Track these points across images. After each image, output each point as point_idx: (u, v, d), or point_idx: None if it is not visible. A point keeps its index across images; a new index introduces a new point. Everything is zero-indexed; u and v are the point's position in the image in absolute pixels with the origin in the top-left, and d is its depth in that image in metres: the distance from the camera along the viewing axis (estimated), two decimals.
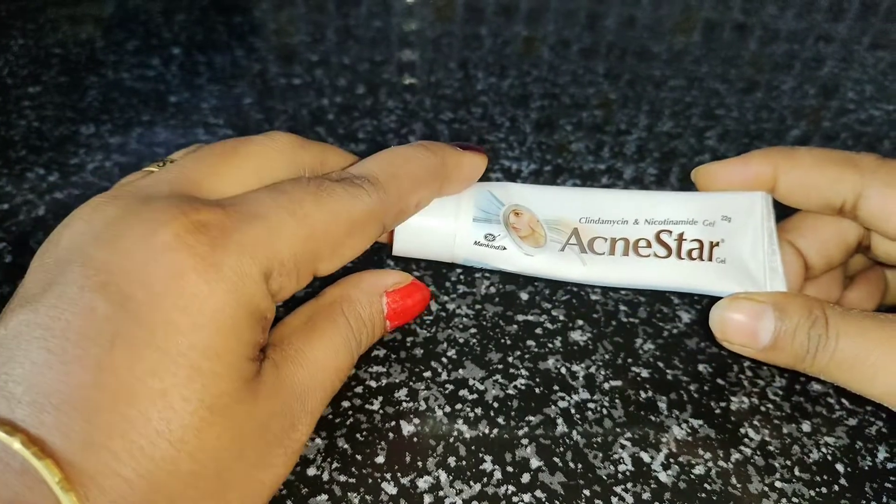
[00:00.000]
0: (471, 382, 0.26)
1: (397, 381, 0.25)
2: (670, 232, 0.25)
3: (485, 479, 0.22)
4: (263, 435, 0.18)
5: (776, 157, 0.25)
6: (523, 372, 0.26)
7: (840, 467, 0.23)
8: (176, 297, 0.17)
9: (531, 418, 0.24)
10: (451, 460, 0.22)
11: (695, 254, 0.24)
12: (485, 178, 0.39)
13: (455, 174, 0.23)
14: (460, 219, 0.24)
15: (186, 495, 0.17)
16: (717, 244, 0.25)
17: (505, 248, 0.24)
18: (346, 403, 0.24)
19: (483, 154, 0.24)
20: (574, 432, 0.24)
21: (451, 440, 0.23)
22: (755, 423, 0.25)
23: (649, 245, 0.24)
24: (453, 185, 0.24)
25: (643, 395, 0.26)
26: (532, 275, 0.25)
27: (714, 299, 0.24)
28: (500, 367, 0.26)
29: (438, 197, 0.24)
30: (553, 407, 0.25)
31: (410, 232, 0.24)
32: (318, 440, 0.23)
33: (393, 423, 0.24)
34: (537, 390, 0.25)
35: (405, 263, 0.32)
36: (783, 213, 0.26)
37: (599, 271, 0.24)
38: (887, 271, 0.28)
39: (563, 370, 0.26)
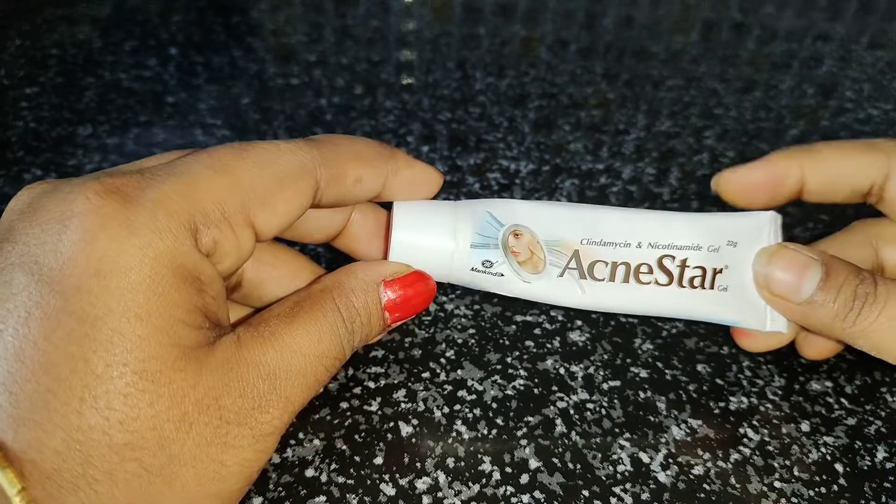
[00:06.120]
0: (469, 383, 0.26)
1: (396, 381, 0.25)
2: (673, 258, 0.24)
3: (483, 480, 0.22)
4: (216, 411, 0.17)
5: (800, 156, 0.25)
6: (522, 372, 0.26)
7: (839, 467, 0.23)
8: (86, 260, 0.16)
9: (530, 419, 0.24)
10: (450, 461, 0.22)
11: (696, 282, 0.24)
12: (483, 178, 0.39)
13: (405, 171, 0.23)
14: (457, 243, 0.23)
15: (126, 469, 0.16)
16: (721, 271, 0.24)
17: (502, 275, 0.23)
18: (344, 405, 0.24)
19: (438, 172, 0.24)
20: (573, 433, 0.24)
21: (450, 441, 0.23)
22: (754, 422, 0.25)
23: (651, 271, 0.24)
24: (402, 183, 0.23)
25: (642, 395, 0.25)
26: (530, 299, 0.24)
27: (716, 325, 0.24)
28: (499, 367, 0.26)
29: (384, 196, 0.23)
30: (552, 407, 0.25)
31: (405, 251, 0.23)
32: (316, 441, 0.23)
33: (391, 424, 0.24)
34: (536, 391, 0.25)
35: None
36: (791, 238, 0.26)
37: (598, 298, 0.24)
38: None
39: (562, 370, 0.26)
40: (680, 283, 0.24)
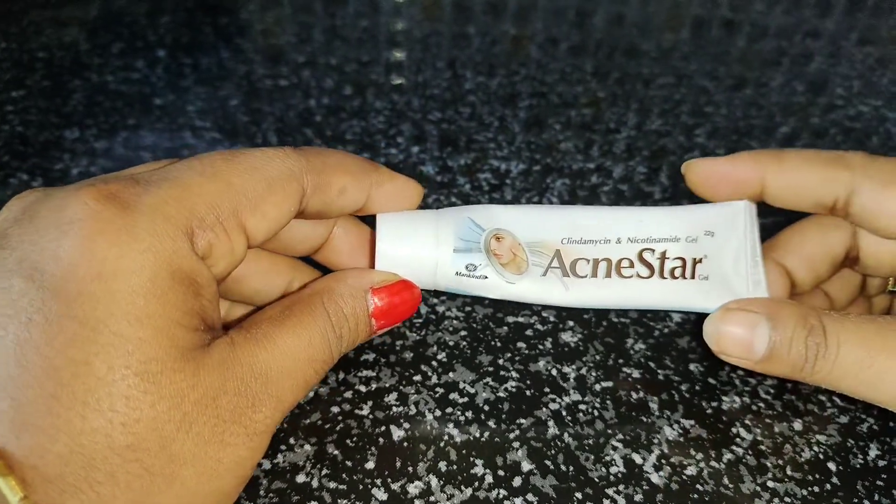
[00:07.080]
0: (461, 385, 0.25)
1: (387, 385, 0.25)
2: (653, 250, 0.24)
3: (476, 484, 0.22)
4: (213, 410, 0.18)
5: (764, 159, 0.24)
6: (514, 374, 0.26)
7: (832, 466, 0.23)
8: (87, 265, 0.16)
9: (522, 421, 0.24)
10: (442, 465, 0.22)
11: (677, 272, 0.24)
12: (473, 178, 0.39)
13: (387, 184, 0.23)
14: (440, 249, 0.23)
15: (128, 470, 0.16)
16: (700, 261, 0.24)
17: (486, 278, 0.24)
18: (335, 409, 0.24)
19: (419, 185, 0.24)
20: (565, 434, 0.24)
21: (442, 444, 0.23)
22: (747, 422, 0.25)
23: (632, 265, 0.24)
24: (384, 195, 0.23)
25: (634, 395, 0.25)
26: (515, 300, 0.24)
27: (701, 315, 0.24)
28: (491, 369, 0.26)
29: (366, 209, 0.23)
30: (544, 409, 0.25)
31: (391, 261, 0.23)
32: (307, 446, 0.23)
33: (383, 427, 0.24)
34: (528, 392, 0.25)
35: None
36: (768, 232, 0.26)
37: (582, 295, 0.24)
38: (873, 299, 0.29)
39: (554, 372, 0.26)
40: (661, 275, 0.24)
